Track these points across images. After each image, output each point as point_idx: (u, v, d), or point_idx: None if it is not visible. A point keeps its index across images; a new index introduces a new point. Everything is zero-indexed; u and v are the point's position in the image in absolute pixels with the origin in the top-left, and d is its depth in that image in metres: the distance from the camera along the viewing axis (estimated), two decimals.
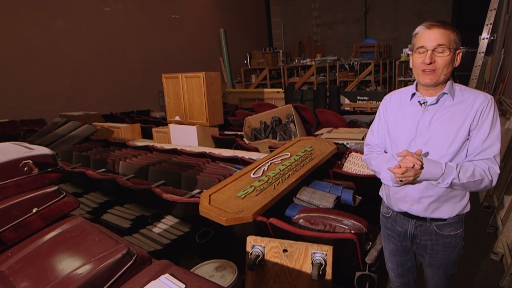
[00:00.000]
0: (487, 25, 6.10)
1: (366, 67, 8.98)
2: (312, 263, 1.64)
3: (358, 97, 6.90)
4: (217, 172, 2.93)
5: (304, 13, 12.90)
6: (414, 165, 1.21)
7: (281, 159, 2.59)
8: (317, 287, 1.65)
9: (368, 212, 2.08)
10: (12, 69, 5.92)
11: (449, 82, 1.31)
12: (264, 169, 2.41)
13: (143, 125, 5.37)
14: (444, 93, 1.31)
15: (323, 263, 1.62)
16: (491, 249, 2.61)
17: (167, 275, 0.99)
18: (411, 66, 1.36)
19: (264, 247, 1.75)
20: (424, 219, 1.40)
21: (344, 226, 1.82)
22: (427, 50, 1.25)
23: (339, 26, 12.33)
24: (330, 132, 4.04)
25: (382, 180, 1.45)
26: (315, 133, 4.20)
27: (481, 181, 1.24)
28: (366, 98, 6.78)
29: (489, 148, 1.26)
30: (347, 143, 3.56)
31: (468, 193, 1.38)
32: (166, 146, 4.17)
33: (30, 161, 1.39)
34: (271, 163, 2.52)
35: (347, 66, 9.44)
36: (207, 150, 3.79)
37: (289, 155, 2.67)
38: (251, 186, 2.12)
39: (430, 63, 1.25)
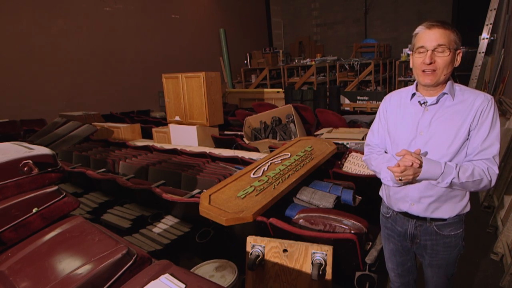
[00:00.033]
0: (487, 25, 6.10)
1: (366, 67, 8.98)
2: (312, 263, 1.64)
3: (358, 97, 6.90)
4: (217, 172, 2.93)
5: (304, 13, 12.90)
6: (412, 164, 1.21)
7: (281, 159, 2.59)
8: (317, 287, 1.65)
9: (368, 212, 2.09)
10: (12, 69, 5.92)
11: (449, 82, 1.31)
12: (264, 169, 2.41)
13: (143, 125, 5.37)
14: (444, 93, 1.31)
15: (323, 263, 1.62)
16: (491, 249, 2.61)
17: (167, 275, 0.99)
18: (411, 66, 1.36)
19: (264, 247, 1.75)
20: (424, 219, 1.40)
21: (344, 226, 1.82)
22: (427, 50, 1.25)
23: (339, 26, 12.33)
24: (330, 132, 4.04)
25: (382, 180, 1.45)
26: (315, 133, 4.20)
27: (480, 181, 1.25)
28: (366, 98, 6.77)
29: (488, 148, 1.26)
30: (347, 143, 3.56)
31: (468, 193, 1.38)
32: (166, 146, 4.17)
33: (30, 161, 1.39)
34: (271, 163, 2.52)
35: (347, 66, 9.44)
36: (207, 150, 3.79)
37: (289, 155, 2.67)
38: (251, 186, 2.12)
39: (430, 63, 1.25)
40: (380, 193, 1.59)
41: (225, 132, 4.86)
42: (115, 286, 1.00)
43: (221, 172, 2.91)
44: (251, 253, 1.74)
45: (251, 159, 3.13)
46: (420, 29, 1.29)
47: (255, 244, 1.76)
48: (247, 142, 4.13)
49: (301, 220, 1.95)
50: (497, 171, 1.26)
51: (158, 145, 4.23)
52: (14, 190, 1.34)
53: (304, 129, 4.38)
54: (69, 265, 1.05)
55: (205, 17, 9.90)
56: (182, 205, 2.34)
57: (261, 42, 12.19)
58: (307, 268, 1.66)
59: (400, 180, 1.27)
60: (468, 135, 1.28)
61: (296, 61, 10.32)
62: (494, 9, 6.00)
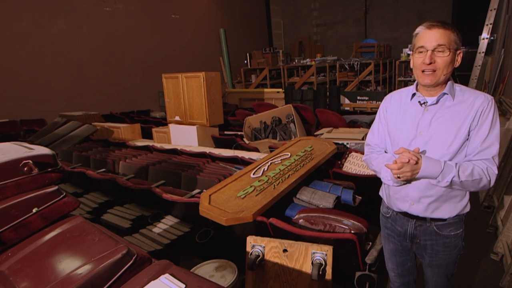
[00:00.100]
0: (487, 25, 6.10)
1: (366, 67, 8.98)
2: (312, 263, 1.64)
3: (358, 97, 6.90)
4: (217, 172, 2.93)
5: (304, 13, 12.90)
6: (409, 160, 1.21)
7: (281, 159, 2.59)
8: (317, 287, 1.65)
9: (368, 212, 2.08)
10: (12, 69, 5.92)
11: (449, 83, 1.32)
12: (264, 169, 2.41)
13: (143, 125, 5.37)
14: (445, 93, 1.31)
15: (323, 263, 1.62)
16: (491, 249, 2.61)
17: (167, 275, 0.99)
18: (411, 66, 1.36)
19: (264, 247, 1.75)
20: (424, 219, 1.40)
21: (344, 226, 1.82)
22: (427, 50, 1.25)
23: (339, 26, 12.34)
24: (330, 132, 4.04)
25: (382, 180, 1.45)
26: (315, 133, 4.20)
27: (480, 180, 1.25)
28: (366, 98, 6.77)
29: (488, 148, 1.26)
30: (347, 143, 3.56)
31: (468, 193, 1.38)
32: (166, 146, 4.17)
33: (30, 161, 1.39)
34: (271, 163, 2.52)
35: (347, 66, 9.44)
36: (207, 150, 3.79)
37: (289, 155, 2.67)
38: (251, 186, 2.12)
39: (430, 63, 1.25)
40: (380, 193, 1.59)
41: (225, 132, 4.86)
42: (115, 286, 1.00)
43: (221, 172, 2.91)
44: (251, 253, 1.74)
45: (251, 159, 3.13)
46: (420, 29, 1.29)
47: (255, 244, 1.76)
48: (247, 142, 4.13)
49: (301, 220, 1.95)
50: (496, 171, 1.26)
51: (158, 145, 4.23)
52: (14, 190, 1.34)
53: (304, 129, 4.38)
54: (69, 265, 1.05)
55: (205, 17, 9.90)
56: (182, 205, 2.34)
57: (261, 42, 12.19)
58: (307, 268, 1.66)
59: (399, 177, 1.28)
60: (468, 135, 1.28)
61: (296, 61, 10.32)
62: (494, 9, 6.00)
